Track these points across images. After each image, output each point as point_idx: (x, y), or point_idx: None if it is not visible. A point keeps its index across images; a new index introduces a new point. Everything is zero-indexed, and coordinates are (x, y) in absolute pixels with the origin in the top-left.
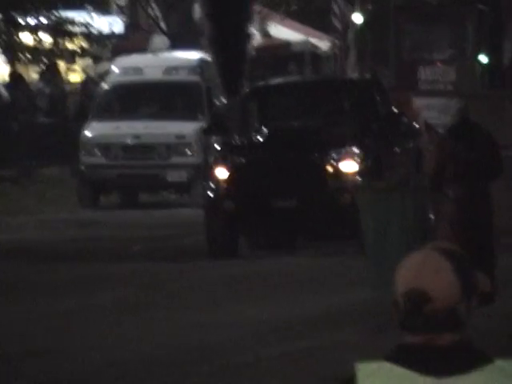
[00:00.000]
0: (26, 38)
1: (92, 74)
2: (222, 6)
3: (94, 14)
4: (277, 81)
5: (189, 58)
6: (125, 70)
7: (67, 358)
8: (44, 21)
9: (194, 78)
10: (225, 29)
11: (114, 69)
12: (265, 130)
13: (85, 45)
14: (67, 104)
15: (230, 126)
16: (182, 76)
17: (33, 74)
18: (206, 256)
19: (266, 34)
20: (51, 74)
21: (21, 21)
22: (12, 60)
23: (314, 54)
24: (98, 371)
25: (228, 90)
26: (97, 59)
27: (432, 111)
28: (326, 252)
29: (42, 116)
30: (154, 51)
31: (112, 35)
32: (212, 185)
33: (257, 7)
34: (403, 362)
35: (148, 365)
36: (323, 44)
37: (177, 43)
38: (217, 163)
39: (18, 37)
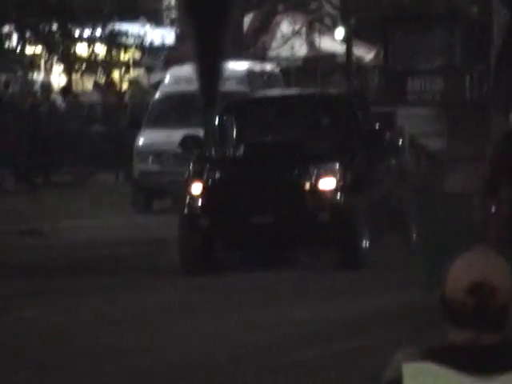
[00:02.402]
0: (82, 49)
1: (146, 83)
2: (201, 23)
3: (147, 26)
4: (255, 95)
5: (237, 68)
6: (177, 80)
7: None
8: (99, 33)
9: (242, 87)
10: (202, 43)
11: (167, 79)
12: (241, 144)
13: (138, 56)
14: (121, 113)
15: (206, 140)
16: (231, 86)
17: (88, 84)
18: (180, 272)
19: (312, 46)
20: (106, 84)
21: (77, 33)
22: (68, 70)
23: (358, 66)
24: (147, 372)
25: (205, 103)
26: (150, 69)
27: (418, 121)
28: (313, 265)
29: (97, 125)
30: None
31: (164, 46)
32: (187, 200)
33: (304, 19)
34: (449, 362)
35: (194, 365)
36: (369, 55)
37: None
38: (192, 178)
39: (74, 48)
